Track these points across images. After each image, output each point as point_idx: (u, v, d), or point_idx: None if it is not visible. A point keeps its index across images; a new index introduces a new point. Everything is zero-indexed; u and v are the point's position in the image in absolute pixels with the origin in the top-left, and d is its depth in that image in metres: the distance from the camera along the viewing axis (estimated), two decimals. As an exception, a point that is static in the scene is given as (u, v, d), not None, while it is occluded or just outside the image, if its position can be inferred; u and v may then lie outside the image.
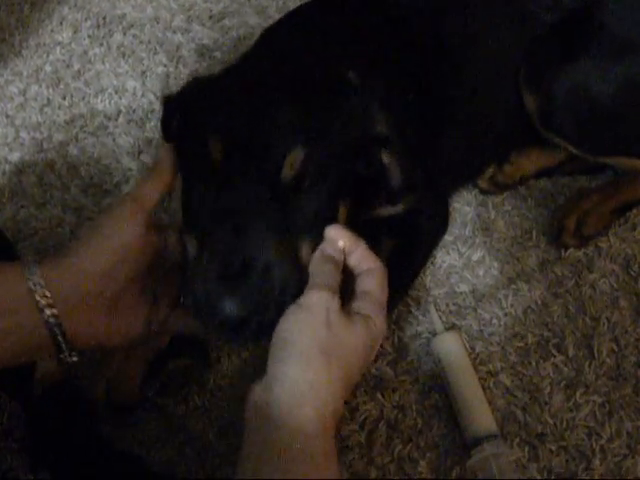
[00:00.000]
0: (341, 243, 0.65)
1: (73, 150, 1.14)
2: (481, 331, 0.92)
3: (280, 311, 0.60)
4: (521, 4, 0.97)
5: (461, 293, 0.95)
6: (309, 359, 0.56)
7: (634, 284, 0.95)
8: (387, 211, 0.87)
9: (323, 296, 0.59)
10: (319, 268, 0.63)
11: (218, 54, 1.27)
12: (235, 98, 0.68)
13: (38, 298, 0.57)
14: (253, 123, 0.65)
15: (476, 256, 0.99)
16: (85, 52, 1.29)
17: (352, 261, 0.66)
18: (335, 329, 0.58)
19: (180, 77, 1.23)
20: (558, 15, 0.97)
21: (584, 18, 0.96)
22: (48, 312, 0.58)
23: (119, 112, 1.19)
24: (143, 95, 1.21)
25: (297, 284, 0.62)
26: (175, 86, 1.20)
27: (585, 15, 0.96)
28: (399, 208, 0.88)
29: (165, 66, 1.25)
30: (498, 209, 1.04)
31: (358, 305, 0.62)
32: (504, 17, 0.97)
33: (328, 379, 0.56)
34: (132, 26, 1.32)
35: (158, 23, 1.33)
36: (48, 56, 1.28)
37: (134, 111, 1.19)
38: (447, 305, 0.94)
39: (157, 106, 1.19)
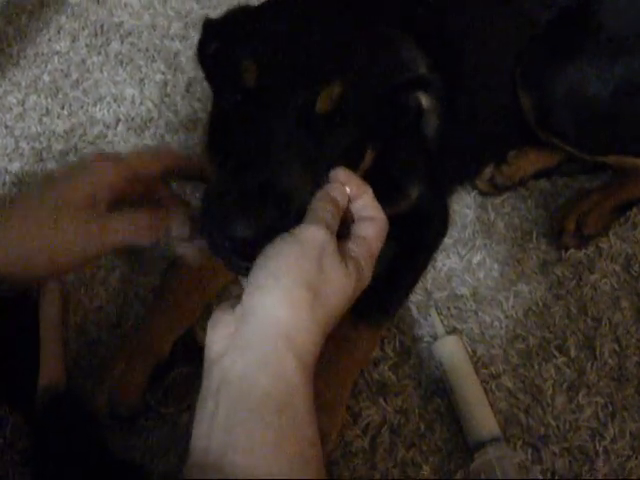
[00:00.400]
0: (348, 189, 0.62)
1: (73, 159, 1.14)
2: (482, 334, 0.92)
3: None
4: (518, 3, 0.97)
5: (462, 296, 0.95)
6: (293, 295, 0.51)
7: (635, 284, 0.95)
8: (397, 207, 0.87)
9: (321, 234, 0.55)
10: (321, 205, 0.59)
11: (216, 60, 1.27)
12: (277, 25, 0.67)
13: None
14: (292, 50, 0.63)
15: (476, 259, 0.99)
16: (83, 61, 1.29)
17: (355, 207, 0.63)
18: (326, 270, 0.54)
19: (178, 84, 1.23)
20: (555, 14, 0.97)
21: (581, 17, 0.96)
22: None
23: (118, 120, 1.19)
24: (141, 103, 1.21)
25: None
26: (173, 93, 1.21)
27: (582, 14, 0.96)
28: (408, 202, 0.88)
29: (163, 73, 1.25)
30: (498, 211, 1.04)
31: (351, 248, 0.58)
32: (501, 16, 0.97)
33: (310, 320, 0.51)
34: (130, 34, 1.33)
35: (155, 30, 1.33)
36: (46, 66, 1.28)
37: (133, 119, 1.19)
38: (448, 308, 0.94)
39: (156, 114, 1.19)
